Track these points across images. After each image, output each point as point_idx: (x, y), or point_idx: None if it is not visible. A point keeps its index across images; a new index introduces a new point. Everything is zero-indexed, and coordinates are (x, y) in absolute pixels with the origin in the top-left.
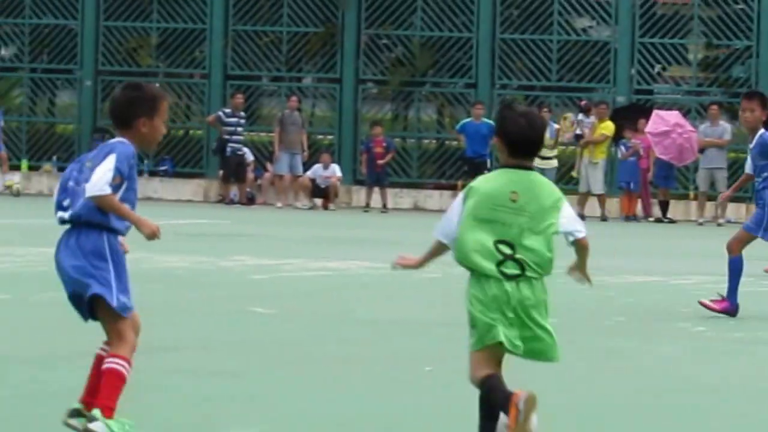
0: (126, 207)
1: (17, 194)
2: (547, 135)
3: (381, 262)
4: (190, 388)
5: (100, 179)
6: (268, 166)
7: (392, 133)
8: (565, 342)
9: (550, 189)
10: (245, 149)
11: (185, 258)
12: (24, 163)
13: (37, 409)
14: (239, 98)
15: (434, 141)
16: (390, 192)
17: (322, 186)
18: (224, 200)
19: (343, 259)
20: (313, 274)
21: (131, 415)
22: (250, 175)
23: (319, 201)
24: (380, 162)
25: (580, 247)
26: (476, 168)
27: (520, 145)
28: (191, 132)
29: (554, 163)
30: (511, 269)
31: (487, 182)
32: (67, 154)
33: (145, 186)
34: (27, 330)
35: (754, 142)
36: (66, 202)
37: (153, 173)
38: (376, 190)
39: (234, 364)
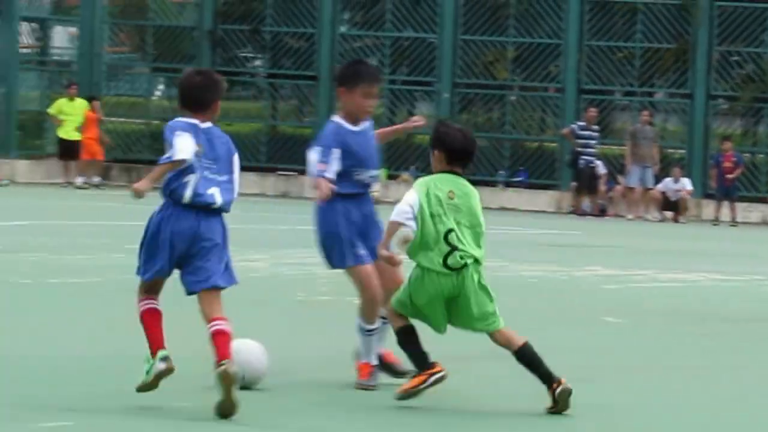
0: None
1: (376, 203)
2: None
3: (731, 275)
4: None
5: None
6: (620, 178)
7: (742, 148)
8: None
9: (475, 192)
10: (598, 162)
11: (539, 267)
12: (384, 172)
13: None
14: (592, 112)
15: None
16: (739, 206)
17: (673, 199)
18: (576, 211)
19: (693, 271)
20: (663, 285)
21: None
22: (602, 187)
23: (669, 213)
24: (730, 176)
25: None
26: None
27: (459, 154)
28: (545, 144)
29: None
30: (456, 260)
31: (431, 182)
32: (425, 163)
33: (500, 196)
34: None
35: None
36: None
37: (508, 184)
38: (726, 203)
39: (586, 371)
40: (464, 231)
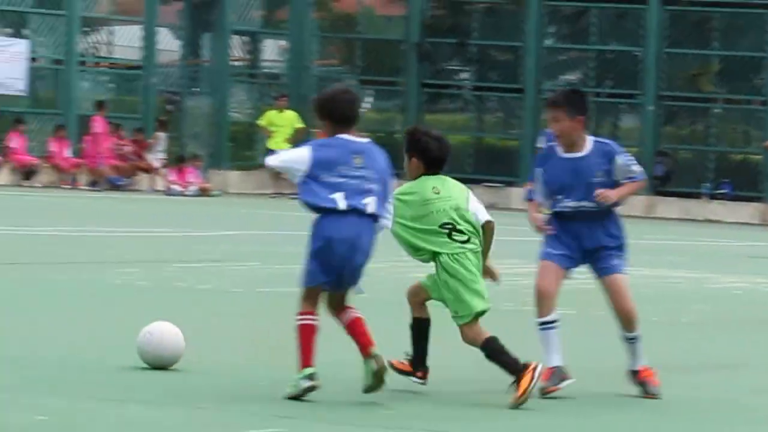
0: None
1: None
2: None
3: None
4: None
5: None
6: None
7: None
8: None
9: (459, 184)
10: None
11: (744, 279)
12: None
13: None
14: None
15: None
16: None
17: None
18: None
19: None
20: None
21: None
22: None
23: None
24: None
25: (487, 229)
26: None
27: (436, 161)
28: (750, 157)
29: None
30: (459, 237)
31: (411, 189)
32: None
33: (705, 208)
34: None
35: None
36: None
37: (713, 196)
38: None
39: None
40: (461, 214)
